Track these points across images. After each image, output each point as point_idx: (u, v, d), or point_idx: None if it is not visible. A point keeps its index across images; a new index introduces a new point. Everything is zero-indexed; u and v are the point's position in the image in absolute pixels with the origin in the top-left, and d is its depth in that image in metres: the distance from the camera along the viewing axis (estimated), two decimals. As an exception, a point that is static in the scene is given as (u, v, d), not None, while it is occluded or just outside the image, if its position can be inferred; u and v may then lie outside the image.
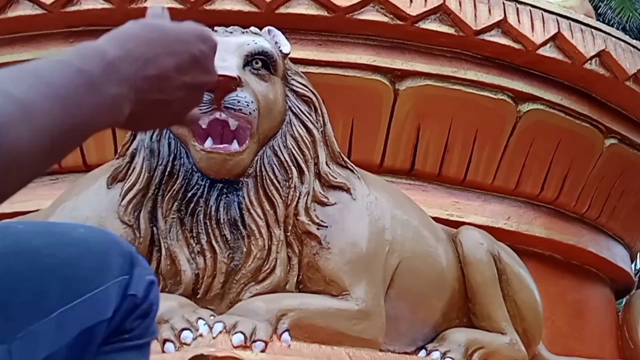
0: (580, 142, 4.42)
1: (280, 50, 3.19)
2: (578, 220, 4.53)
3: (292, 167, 3.13)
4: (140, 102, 0.91)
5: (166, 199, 3.08)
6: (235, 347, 2.84)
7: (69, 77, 0.83)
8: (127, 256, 1.21)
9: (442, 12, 4.04)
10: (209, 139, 3.02)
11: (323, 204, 3.17)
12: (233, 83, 2.95)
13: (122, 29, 0.91)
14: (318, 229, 3.14)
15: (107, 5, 3.92)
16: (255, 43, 3.12)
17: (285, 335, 2.96)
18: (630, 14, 16.56)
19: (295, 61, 3.41)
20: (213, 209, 3.05)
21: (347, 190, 3.24)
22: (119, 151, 3.30)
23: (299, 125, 3.17)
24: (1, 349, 1.12)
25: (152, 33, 0.90)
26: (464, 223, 3.86)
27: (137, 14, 4.13)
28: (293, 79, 3.21)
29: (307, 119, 3.19)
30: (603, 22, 9.13)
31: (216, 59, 3.34)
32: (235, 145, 3.02)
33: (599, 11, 15.62)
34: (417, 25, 4.02)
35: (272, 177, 3.09)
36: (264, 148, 3.11)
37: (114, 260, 1.19)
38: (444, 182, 4.16)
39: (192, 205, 3.06)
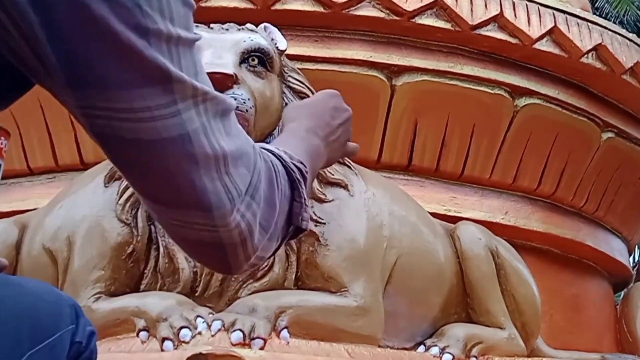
0: (578, 136, 4.42)
1: (277, 47, 3.18)
2: (576, 214, 4.53)
3: (290, 164, 3.13)
4: (327, 146, 1.46)
5: (164, 197, 3.07)
6: (234, 345, 2.84)
7: (309, 145, 1.43)
8: (73, 307, 1.37)
9: (438, 7, 4.04)
10: (206, 136, 3.01)
11: (321, 201, 3.17)
12: (229, 80, 2.95)
13: (307, 110, 1.51)
14: (316, 225, 3.13)
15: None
16: (252, 40, 3.11)
17: (284, 333, 2.96)
18: (628, 7, 16.56)
19: (292, 58, 3.41)
20: (211, 206, 3.04)
21: (345, 187, 3.24)
22: (116, 149, 3.29)
23: (295, 122, 3.16)
24: None
25: (315, 106, 1.51)
26: (461, 218, 3.86)
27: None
28: (290, 76, 3.21)
29: (304, 116, 3.18)
30: (600, 15, 9.14)
31: (212, 56, 3.30)
32: (232, 143, 3.02)
33: (595, 5, 15.62)
34: (413, 20, 4.02)
35: (270, 174, 3.09)
36: (261, 145, 3.10)
37: (65, 310, 1.35)
38: (441, 178, 4.16)
39: (189, 203, 3.06)
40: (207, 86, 1.17)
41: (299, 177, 1.31)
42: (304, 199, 1.31)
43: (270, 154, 1.28)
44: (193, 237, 1.20)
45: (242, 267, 1.25)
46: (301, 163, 1.33)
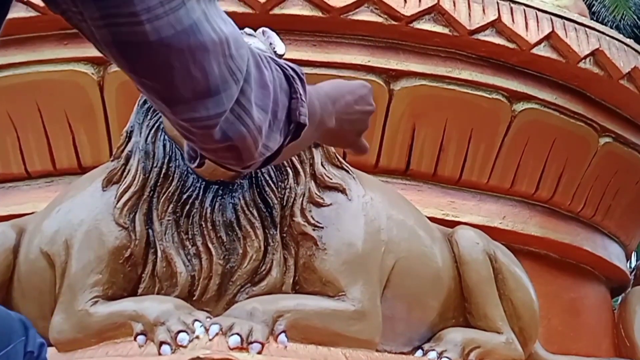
0: (575, 141, 4.43)
1: (275, 52, 3.19)
2: (573, 219, 4.54)
3: (288, 168, 3.13)
4: (339, 119, 1.46)
5: (161, 201, 3.08)
6: (232, 349, 2.84)
7: (320, 99, 1.44)
8: (20, 321, 1.46)
9: (436, 12, 4.04)
10: (204, 140, 3.02)
11: (319, 205, 3.17)
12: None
13: (335, 84, 1.53)
14: (314, 229, 3.14)
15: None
16: (250, 44, 3.11)
17: (282, 337, 2.97)
18: (624, 12, 16.58)
19: (290, 62, 3.40)
20: (208, 210, 3.05)
21: (343, 191, 3.24)
22: (114, 153, 3.30)
23: (294, 126, 3.17)
24: None
25: (343, 86, 1.53)
26: (459, 223, 3.86)
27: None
28: (288, 80, 3.21)
29: (302, 120, 3.19)
30: (597, 20, 9.14)
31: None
32: (230, 147, 3.02)
33: (592, 9, 15.63)
34: (411, 25, 4.03)
35: (268, 178, 3.09)
36: (259, 149, 3.11)
37: (15, 324, 1.44)
38: (439, 182, 4.16)
39: (187, 207, 3.06)
40: None
41: (292, 74, 1.37)
42: (300, 95, 1.35)
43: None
44: (207, 136, 1.24)
45: (254, 154, 1.28)
46: (297, 68, 1.39)
